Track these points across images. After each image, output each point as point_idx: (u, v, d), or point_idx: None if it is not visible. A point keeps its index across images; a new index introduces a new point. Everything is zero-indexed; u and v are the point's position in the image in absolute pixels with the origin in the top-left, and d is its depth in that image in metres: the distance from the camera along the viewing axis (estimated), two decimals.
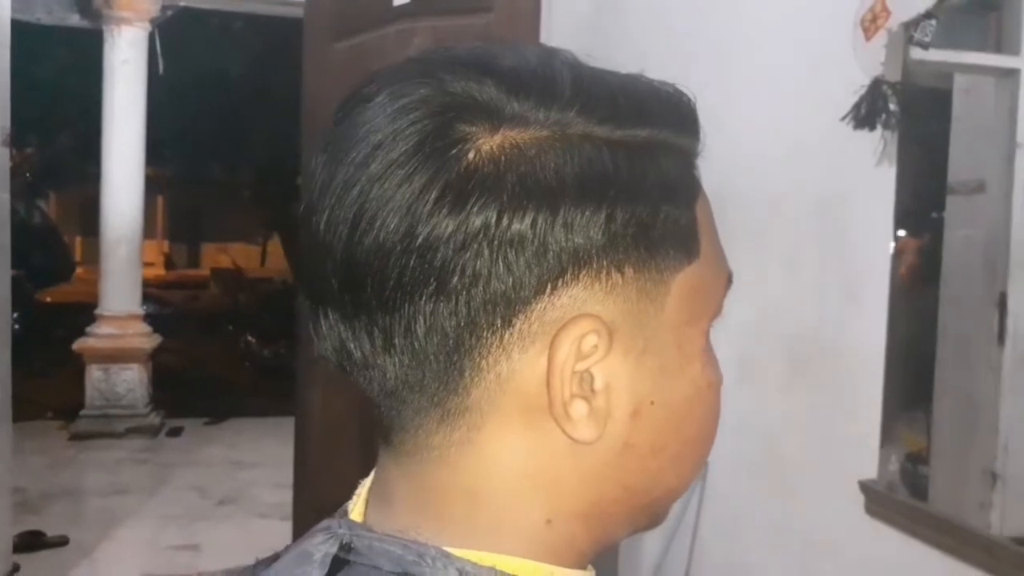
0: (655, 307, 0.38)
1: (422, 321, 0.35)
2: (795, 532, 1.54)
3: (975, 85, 1.42)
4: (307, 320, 0.40)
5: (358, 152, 0.36)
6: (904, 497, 1.40)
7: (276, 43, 6.75)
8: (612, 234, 0.35)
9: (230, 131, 8.08)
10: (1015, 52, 1.37)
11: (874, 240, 1.41)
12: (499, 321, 0.35)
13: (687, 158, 0.39)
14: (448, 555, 0.37)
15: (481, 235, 0.34)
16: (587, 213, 0.35)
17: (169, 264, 15.62)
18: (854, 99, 1.36)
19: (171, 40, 5.54)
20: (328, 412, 2.53)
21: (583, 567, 0.40)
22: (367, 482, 0.43)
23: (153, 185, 6.33)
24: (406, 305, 0.35)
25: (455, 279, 0.34)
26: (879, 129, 1.35)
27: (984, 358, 1.41)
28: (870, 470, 1.42)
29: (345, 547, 0.38)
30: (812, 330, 1.49)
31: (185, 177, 11.17)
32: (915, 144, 1.38)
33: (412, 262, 0.34)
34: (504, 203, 0.34)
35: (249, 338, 7.75)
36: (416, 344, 0.36)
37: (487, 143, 0.35)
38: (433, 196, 0.34)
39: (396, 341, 0.36)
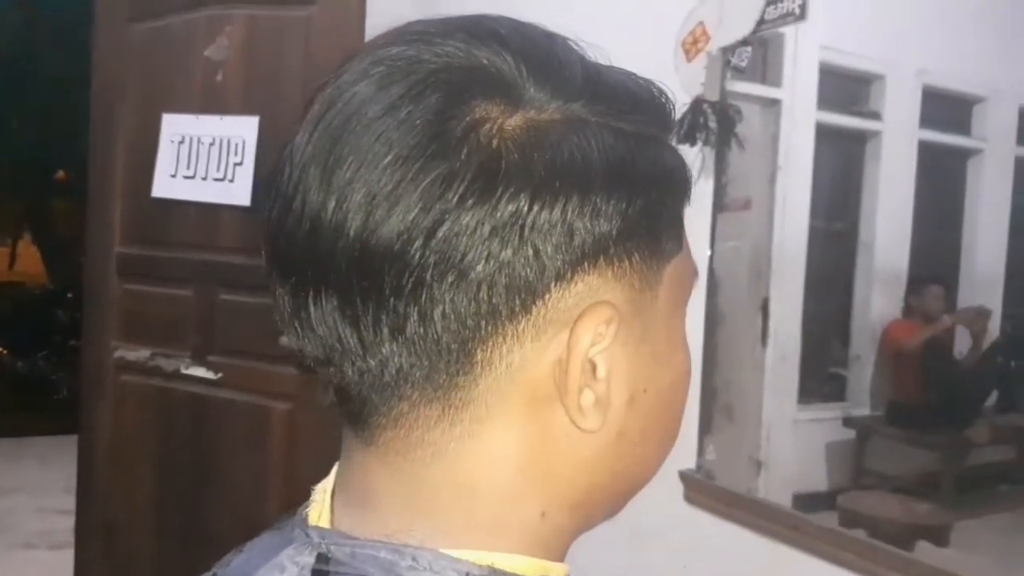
0: (651, 295, 0.38)
1: (440, 308, 0.34)
2: (623, 521, 1.62)
3: (746, 112, 1.59)
4: (281, 308, 0.36)
5: (372, 130, 0.33)
6: (718, 484, 1.53)
7: (39, 18, 6.02)
8: (629, 222, 0.36)
9: None
10: (778, 84, 1.56)
11: (694, 249, 1.52)
12: (518, 308, 0.34)
13: (676, 151, 0.40)
14: (445, 557, 0.35)
15: (509, 224, 0.33)
16: (612, 200, 0.35)
17: None
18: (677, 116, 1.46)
19: None
20: (118, 428, 2.31)
21: (563, 559, 0.40)
22: (327, 486, 0.40)
23: None
24: (425, 292, 0.33)
25: (480, 266, 0.33)
26: (699, 145, 1.46)
27: (750, 357, 1.57)
28: (689, 460, 1.54)
29: (322, 558, 0.35)
30: None
31: None
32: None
33: (437, 249, 0.33)
34: (534, 191, 0.33)
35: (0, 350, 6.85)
36: (431, 332, 0.34)
37: (508, 124, 0.34)
38: (462, 185, 0.33)
39: (408, 328, 0.34)
